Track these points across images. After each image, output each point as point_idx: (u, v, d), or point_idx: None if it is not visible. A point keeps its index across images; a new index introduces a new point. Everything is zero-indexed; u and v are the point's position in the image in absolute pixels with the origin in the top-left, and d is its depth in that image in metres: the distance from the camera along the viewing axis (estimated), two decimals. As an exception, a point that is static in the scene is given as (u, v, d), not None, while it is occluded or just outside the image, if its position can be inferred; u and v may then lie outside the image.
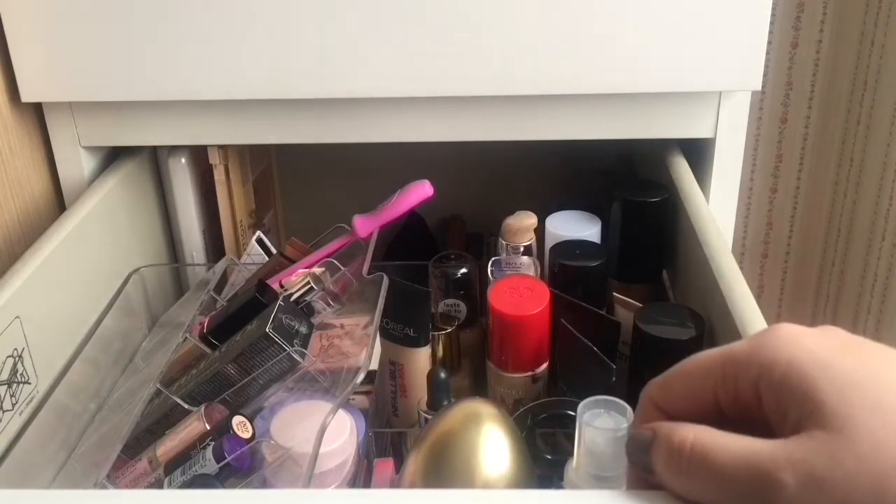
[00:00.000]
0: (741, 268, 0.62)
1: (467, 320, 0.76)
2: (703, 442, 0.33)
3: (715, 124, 0.75)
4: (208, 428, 0.56)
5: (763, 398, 0.33)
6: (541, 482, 0.54)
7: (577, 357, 0.64)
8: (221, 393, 0.59)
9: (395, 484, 0.61)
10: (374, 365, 0.74)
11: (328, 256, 0.71)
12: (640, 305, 0.65)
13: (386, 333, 0.71)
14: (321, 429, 0.51)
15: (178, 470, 0.55)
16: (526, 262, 0.73)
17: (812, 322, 1.20)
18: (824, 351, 0.33)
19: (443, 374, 0.63)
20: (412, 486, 0.52)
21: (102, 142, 0.77)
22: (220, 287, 0.76)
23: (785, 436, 0.32)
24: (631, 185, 0.78)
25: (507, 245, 0.74)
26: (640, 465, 0.36)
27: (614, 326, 0.65)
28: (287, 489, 0.54)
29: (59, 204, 0.78)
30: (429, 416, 0.61)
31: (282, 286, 0.64)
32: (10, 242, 0.69)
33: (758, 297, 1.17)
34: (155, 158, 0.84)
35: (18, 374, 0.59)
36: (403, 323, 0.70)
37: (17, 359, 0.58)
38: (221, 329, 0.64)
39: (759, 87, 0.70)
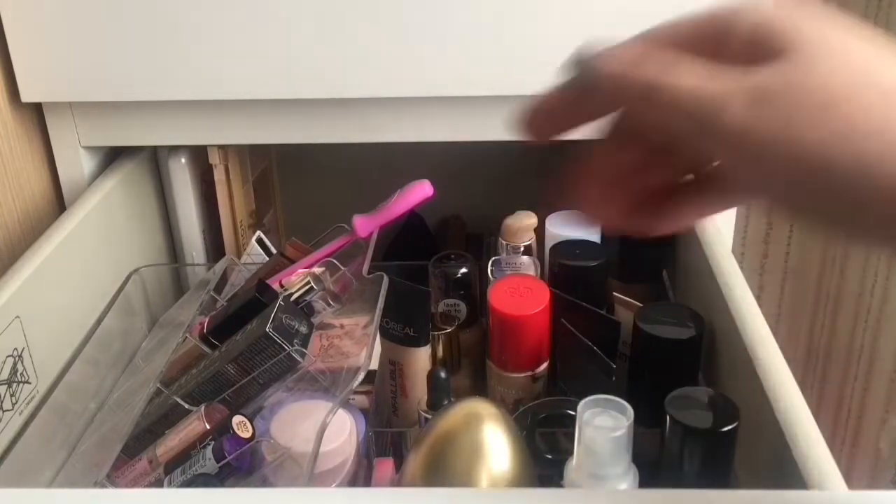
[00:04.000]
0: (741, 268, 0.62)
1: (467, 320, 0.76)
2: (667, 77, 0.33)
3: (715, 124, 0.74)
4: (208, 428, 0.56)
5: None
6: (541, 482, 0.54)
7: (577, 357, 0.64)
8: (221, 393, 0.59)
9: (395, 484, 0.61)
10: (374, 365, 0.74)
11: (328, 256, 0.71)
12: (640, 305, 0.65)
13: (386, 333, 0.71)
14: (321, 428, 0.51)
15: (178, 469, 0.55)
16: (526, 262, 0.73)
17: (812, 323, 1.20)
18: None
19: (443, 374, 0.63)
20: (412, 485, 0.52)
21: (102, 142, 0.77)
22: (220, 287, 0.76)
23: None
24: (631, 185, 0.78)
25: (507, 245, 0.74)
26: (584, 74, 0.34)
27: (614, 326, 0.65)
28: (287, 489, 0.54)
29: (59, 204, 0.78)
30: (429, 416, 0.61)
31: (282, 286, 0.64)
32: (10, 242, 0.69)
33: (758, 297, 1.18)
34: (155, 158, 0.84)
35: (18, 374, 0.59)
36: (403, 323, 0.70)
37: (17, 359, 0.58)
38: (221, 329, 0.64)
39: (759, 87, 0.70)
